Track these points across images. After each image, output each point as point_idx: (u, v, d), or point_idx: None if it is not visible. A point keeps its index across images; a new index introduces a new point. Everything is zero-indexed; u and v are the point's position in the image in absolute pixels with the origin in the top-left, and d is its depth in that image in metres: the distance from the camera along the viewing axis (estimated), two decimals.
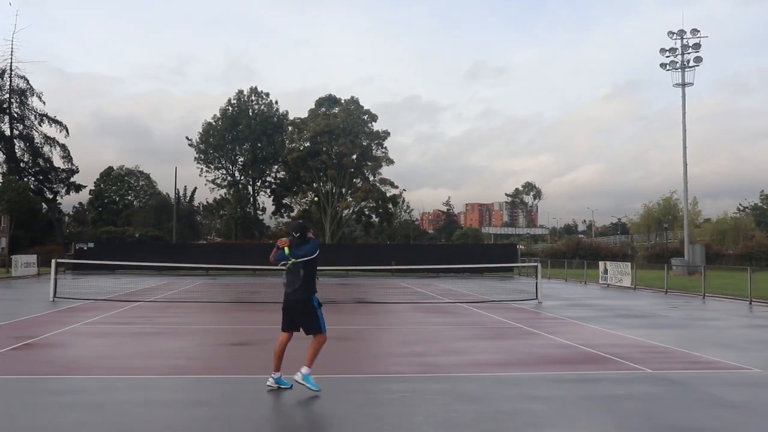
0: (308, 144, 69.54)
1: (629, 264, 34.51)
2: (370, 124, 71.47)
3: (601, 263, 37.05)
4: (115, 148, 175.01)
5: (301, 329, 8.73)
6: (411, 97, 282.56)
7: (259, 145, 73.48)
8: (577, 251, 66.26)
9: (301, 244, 8.74)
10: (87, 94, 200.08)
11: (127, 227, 78.40)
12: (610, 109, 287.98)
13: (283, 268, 8.80)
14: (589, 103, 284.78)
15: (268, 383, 8.62)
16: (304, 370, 8.41)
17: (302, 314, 8.63)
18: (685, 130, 48.93)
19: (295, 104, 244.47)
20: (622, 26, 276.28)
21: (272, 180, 77.09)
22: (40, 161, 67.75)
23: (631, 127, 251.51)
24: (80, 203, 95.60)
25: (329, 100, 73.40)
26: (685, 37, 49.03)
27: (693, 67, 48.90)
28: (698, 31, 48.76)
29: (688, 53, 48.99)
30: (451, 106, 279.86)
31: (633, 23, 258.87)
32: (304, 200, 75.03)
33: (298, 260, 8.62)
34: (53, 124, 68.22)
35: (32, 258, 42.52)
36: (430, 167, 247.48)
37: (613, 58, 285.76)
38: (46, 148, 67.90)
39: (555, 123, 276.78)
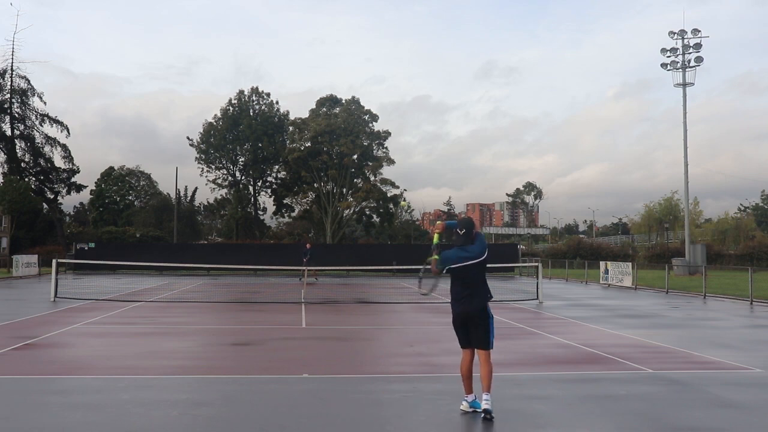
0: (309, 144, 69.51)
1: (630, 264, 34.51)
2: (371, 124, 71.45)
3: (602, 263, 37.04)
4: (119, 148, 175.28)
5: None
6: (420, 97, 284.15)
7: (260, 145, 73.44)
8: (578, 251, 66.26)
9: (466, 243, 7.61)
10: (95, 94, 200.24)
11: (128, 227, 78.35)
12: (618, 109, 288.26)
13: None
14: (597, 103, 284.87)
15: (461, 407, 7.58)
16: (485, 396, 7.27)
17: (477, 326, 7.52)
18: (686, 130, 48.96)
19: (302, 104, 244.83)
20: (633, 26, 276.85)
21: (273, 180, 77.08)
22: (41, 161, 67.81)
23: (637, 127, 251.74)
24: (81, 203, 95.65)
25: (330, 100, 73.38)
26: (686, 37, 49.04)
27: (694, 67, 48.91)
28: (699, 30, 48.80)
29: (689, 53, 49.00)
30: (460, 105, 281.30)
31: (644, 23, 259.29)
32: (304, 200, 75.06)
33: (470, 262, 7.52)
34: (54, 124, 68.32)
35: (33, 258, 42.53)
36: (435, 167, 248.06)
37: (624, 57, 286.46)
38: (47, 148, 68.02)
39: (562, 123, 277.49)
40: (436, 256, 7.59)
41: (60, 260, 25.60)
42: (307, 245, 38.21)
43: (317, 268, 34.18)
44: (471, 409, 7.47)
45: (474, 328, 7.50)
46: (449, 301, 7.66)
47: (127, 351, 12.03)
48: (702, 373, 10.18)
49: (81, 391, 8.65)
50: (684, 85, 49.12)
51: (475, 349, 7.56)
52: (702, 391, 8.87)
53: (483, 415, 7.19)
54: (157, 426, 6.96)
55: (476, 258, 7.53)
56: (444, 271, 7.57)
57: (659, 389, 8.93)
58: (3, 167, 65.33)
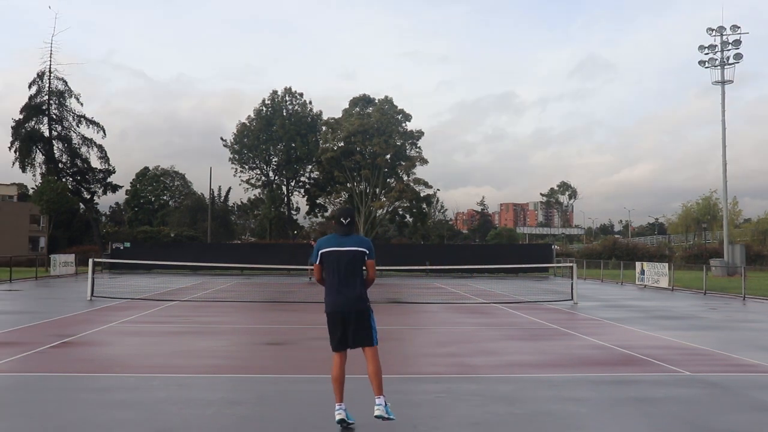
0: (342, 144, 69.62)
1: (666, 265, 34.04)
2: (404, 124, 71.36)
3: (637, 264, 36.59)
4: (154, 148, 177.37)
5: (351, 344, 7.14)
6: (472, 97, 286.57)
7: (293, 145, 73.70)
8: (613, 251, 65.51)
9: (350, 233, 7.11)
10: (132, 95, 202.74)
11: (163, 227, 79.26)
12: (691, 109, 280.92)
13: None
14: (675, 102, 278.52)
15: (338, 416, 6.91)
16: (379, 400, 6.83)
17: (357, 324, 7.01)
18: (724, 129, 48.12)
19: (335, 105, 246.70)
20: (673, 24, 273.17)
21: (306, 180, 77.35)
22: (78, 162, 68.73)
23: (695, 126, 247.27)
24: (117, 203, 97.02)
25: (363, 100, 73.44)
26: (724, 33, 48.26)
27: (733, 64, 48.10)
28: (738, 27, 47.99)
29: (728, 50, 48.20)
30: (515, 105, 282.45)
31: (684, 22, 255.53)
32: (337, 200, 75.24)
33: (345, 248, 6.98)
34: (90, 125, 69.20)
35: (70, 257, 43.15)
36: (481, 167, 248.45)
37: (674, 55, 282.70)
38: (83, 149, 68.90)
39: (629, 123, 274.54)
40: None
41: (96, 260, 25.95)
42: (312, 243, 38.40)
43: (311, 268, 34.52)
44: (346, 421, 6.89)
45: (353, 326, 6.97)
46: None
47: (162, 350, 12.14)
48: (741, 377, 9.99)
49: (117, 388, 8.72)
50: (723, 83, 48.35)
51: (362, 348, 7.03)
52: (741, 394, 8.70)
53: (381, 418, 6.78)
54: (191, 424, 6.99)
55: (352, 246, 7.00)
56: (317, 261, 7.11)
57: (697, 392, 8.78)
58: (41, 168, 66.38)
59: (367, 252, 7.06)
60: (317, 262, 7.14)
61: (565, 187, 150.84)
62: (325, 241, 7.14)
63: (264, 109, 75.14)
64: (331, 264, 7.03)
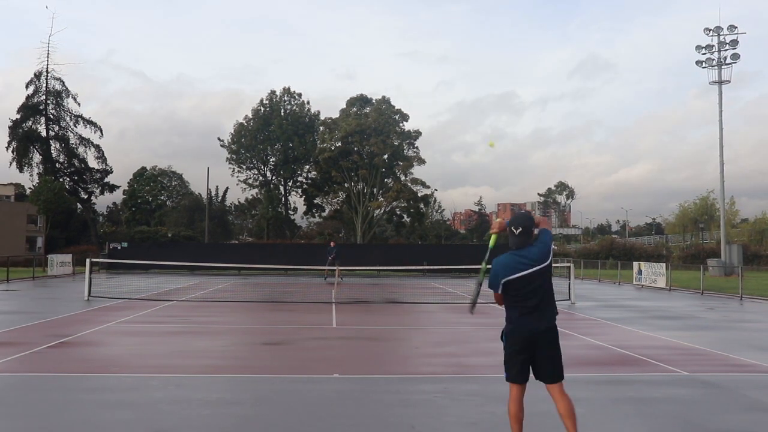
0: (339, 144, 69.58)
1: (664, 264, 34.05)
2: (401, 124, 71.32)
3: (635, 264, 36.58)
4: (152, 148, 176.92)
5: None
6: (468, 97, 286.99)
7: (291, 145, 73.67)
8: (610, 251, 65.43)
9: (523, 246, 5.91)
10: (129, 95, 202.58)
11: (160, 227, 79.13)
12: (690, 109, 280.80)
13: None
14: (674, 102, 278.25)
15: None
16: None
17: (547, 349, 5.86)
18: (721, 129, 48.21)
19: (333, 105, 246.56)
20: (672, 25, 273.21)
21: (304, 180, 77.31)
22: (75, 162, 68.72)
23: (692, 127, 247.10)
24: (114, 203, 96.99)
25: (361, 100, 73.37)
26: (721, 33, 48.35)
27: (730, 64, 48.17)
28: (735, 27, 48.11)
29: (725, 50, 48.28)
30: (512, 107, 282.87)
31: (681, 23, 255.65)
32: (335, 200, 75.21)
33: (529, 271, 5.79)
34: (88, 125, 69.20)
35: (67, 257, 43.02)
36: (493, 166, 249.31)
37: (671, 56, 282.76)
38: (81, 149, 68.92)
39: (628, 123, 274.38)
40: (488, 266, 6.06)
41: (93, 260, 25.85)
42: (332, 243, 38.88)
43: (342, 268, 34.16)
44: None
45: (542, 352, 5.82)
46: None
47: (160, 350, 12.13)
48: (739, 376, 10.00)
49: (114, 389, 8.72)
50: (720, 83, 48.43)
51: (546, 385, 5.95)
52: (739, 394, 8.71)
53: None
54: (189, 424, 6.99)
55: (535, 265, 5.83)
56: (500, 289, 5.92)
57: (695, 392, 8.79)
58: (38, 167, 66.41)
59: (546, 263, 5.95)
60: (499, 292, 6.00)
61: (562, 187, 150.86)
62: (503, 267, 5.95)
63: (262, 109, 75.08)
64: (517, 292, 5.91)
